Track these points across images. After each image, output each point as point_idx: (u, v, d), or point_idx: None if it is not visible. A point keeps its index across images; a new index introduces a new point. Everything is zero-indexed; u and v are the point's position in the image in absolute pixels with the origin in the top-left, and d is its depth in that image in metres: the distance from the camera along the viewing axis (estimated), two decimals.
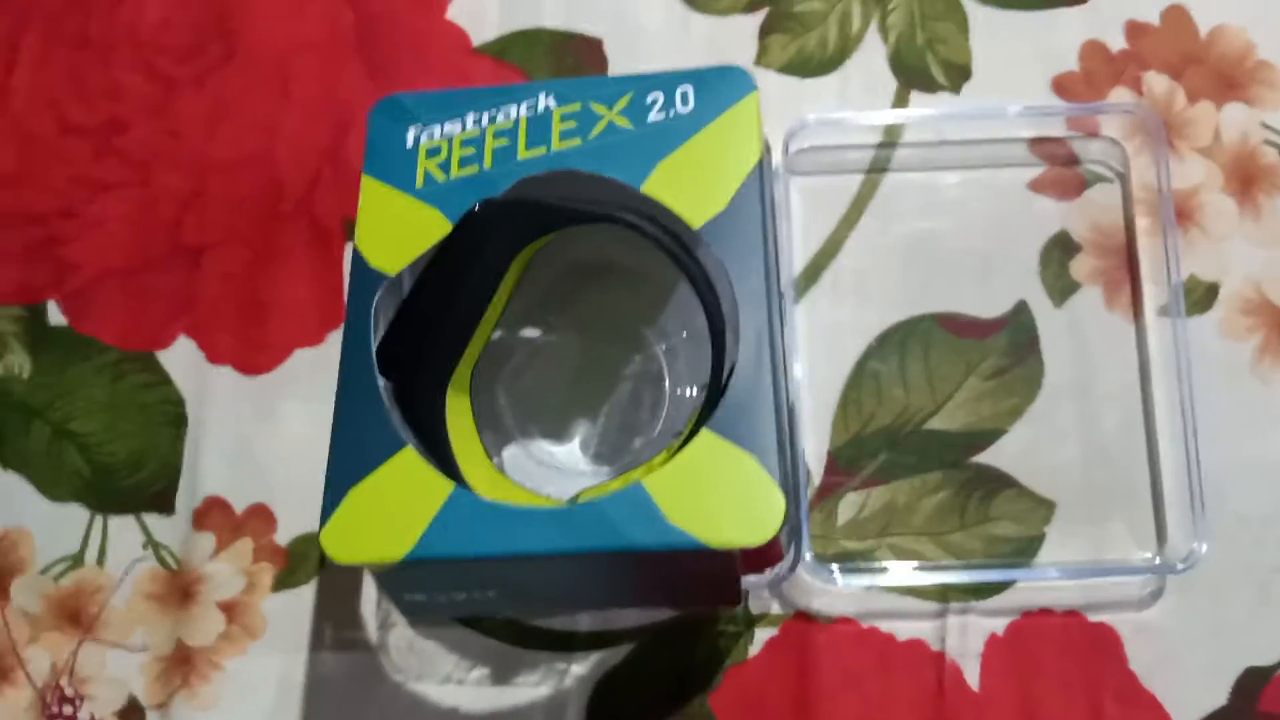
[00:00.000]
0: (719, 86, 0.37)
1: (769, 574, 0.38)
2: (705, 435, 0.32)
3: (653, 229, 0.35)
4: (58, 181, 0.48)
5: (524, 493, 0.37)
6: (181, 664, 0.42)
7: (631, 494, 0.32)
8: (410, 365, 0.36)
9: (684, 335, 0.41)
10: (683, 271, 0.36)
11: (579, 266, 0.43)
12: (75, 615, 0.43)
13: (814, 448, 0.43)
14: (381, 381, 0.35)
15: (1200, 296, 0.44)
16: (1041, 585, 0.41)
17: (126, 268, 0.47)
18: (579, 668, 0.41)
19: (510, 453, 0.41)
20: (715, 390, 0.34)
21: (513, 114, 0.38)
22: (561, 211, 0.37)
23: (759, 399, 0.33)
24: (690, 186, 0.35)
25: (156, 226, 0.47)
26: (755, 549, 0.32)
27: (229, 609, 0.42)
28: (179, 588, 0.43)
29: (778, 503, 0.31)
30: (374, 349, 0.35)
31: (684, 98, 0.37)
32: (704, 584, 0.36)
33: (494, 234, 0.38)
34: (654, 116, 0.36)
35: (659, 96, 0.37)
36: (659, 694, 0.40)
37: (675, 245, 0.36)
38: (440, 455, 0.35)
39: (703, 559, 0.31)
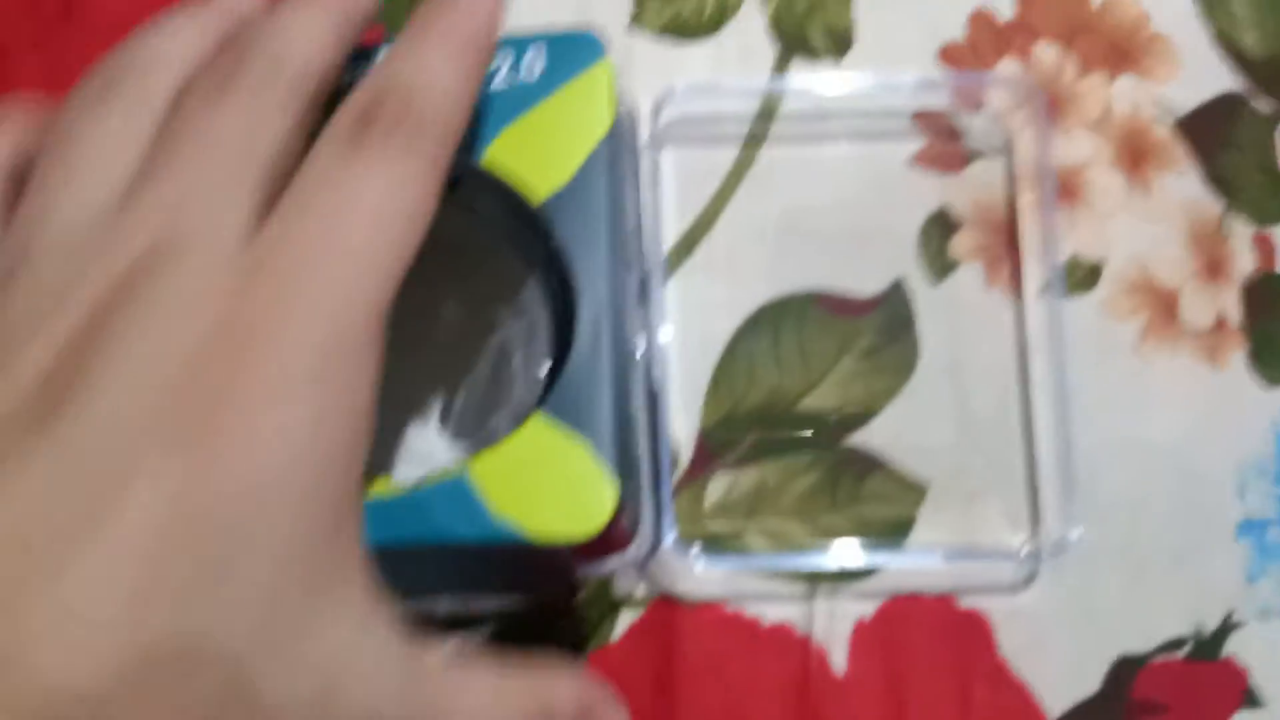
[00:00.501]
0: (568, 52, 0.35)
1: (629, 555, 0.37)
2: (535, 421, 0.31)
3: (487, 205, 0.34)
4: None
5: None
6: None
7: (455, 484, 0.30)
8: None
9: (546, 308, 0.40)
10: (520, 250, 0.34)
11: (434, 238, 0.41)
12: None
13: (684, 428, 0.42)
14: None
15: (1083, 276, 0.43)
16: (911, 569, 0.40)
17: None
18: None
19: None
20: (554, 373, 0.32)
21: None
22: None
23: (596, 383, 0.31)
24: (532, 159, 0.33)
25: None
26: (588, 540, 0.30)
27: None
28: None
29: (608, 493, 0.30)
30: None
31: (530, 64, 0.35)
32: (538, 574, 0.34)
33: None
34: (497, 83, 0.34)
35: (503, 62, 0.35)
36: None
37: (515, 222, 0.34)
38: None
39: (530, 551, 0.30)
